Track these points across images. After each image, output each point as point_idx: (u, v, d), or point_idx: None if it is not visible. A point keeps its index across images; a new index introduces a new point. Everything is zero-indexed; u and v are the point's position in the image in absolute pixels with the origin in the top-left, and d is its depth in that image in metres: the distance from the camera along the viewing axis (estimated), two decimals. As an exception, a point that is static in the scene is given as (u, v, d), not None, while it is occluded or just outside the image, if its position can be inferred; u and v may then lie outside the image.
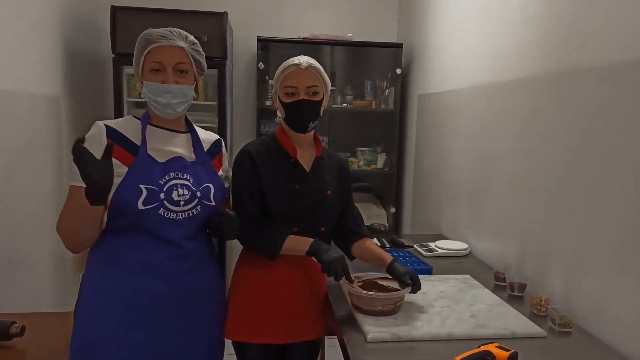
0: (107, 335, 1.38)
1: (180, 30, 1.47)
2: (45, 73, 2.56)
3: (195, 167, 1.49)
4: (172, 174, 1.42)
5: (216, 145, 1.62)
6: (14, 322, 1.48)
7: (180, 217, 1.42)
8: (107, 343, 1.38)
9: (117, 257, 1.41)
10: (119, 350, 1.38)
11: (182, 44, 1.44)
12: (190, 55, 1.46)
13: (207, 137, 1.61)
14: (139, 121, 1.46)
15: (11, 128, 2.17)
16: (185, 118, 1.57)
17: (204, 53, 1.52)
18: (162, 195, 1.38)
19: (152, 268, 1.41)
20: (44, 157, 2.50)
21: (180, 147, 1.49)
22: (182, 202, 1.42)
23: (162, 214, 1.39)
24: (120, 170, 1.34)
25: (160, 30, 1.42)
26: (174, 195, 1.40)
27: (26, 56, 2.33)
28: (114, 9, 2.87)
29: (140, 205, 1.35)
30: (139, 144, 1.41)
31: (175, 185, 1.41)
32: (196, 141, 1.54)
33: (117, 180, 1.32)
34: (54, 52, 2.64)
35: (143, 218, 1.38)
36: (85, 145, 1.23)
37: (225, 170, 1.63)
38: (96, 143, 1.32)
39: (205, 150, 1.56)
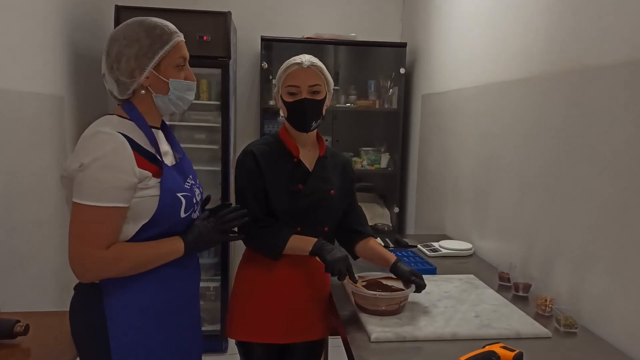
0: (157, 342, 1.32)
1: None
2: (50, 73, 2.56)
3: (187, 163, 1.47)
4: (190, 177, 1.42)
5: (170, 130, 1.53)
6: (18, 321, 1.48)
7: (196, 215, 1.44)
8: (157, 349, 1.33)
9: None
10: (167, 356, 1.35)
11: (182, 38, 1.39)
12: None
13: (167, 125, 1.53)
14: (130, 122, 1.33)
15: (15, 127, 2.18)
16: None
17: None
18: (194, 200, 1.38)
19: (182, 270, 1.39)
20: (48, 157, 2.50)
21: (164, 144, 1.42)
22: (199, 202, 1.44)
23: (193, 217, 1.40)
24: (150, 182, 1.26)
25: (166, 22, 1.38)
26: (197, 197, 1.42)
27: (30, 56, 2.34)
28: (118, 9, 2.87)
29: (182, 214, 1.33)
30: (148, 148, 1.31)
31: (194, 186, 1.42)
32: (170, 135, 1.47)
33: (150, 192, 1.26)
34: (58, 52, 2.64)
35: (180, 224, 1.35)
36: (114, 159, 1.21)
37: None
38: (125, 157, 1.23)
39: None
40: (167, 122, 1.50)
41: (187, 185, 1.38)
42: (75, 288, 1.36)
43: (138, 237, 1.29)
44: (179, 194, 1.32)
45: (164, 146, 1.41)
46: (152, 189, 1.27)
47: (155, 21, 1.36)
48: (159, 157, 1.31)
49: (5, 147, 2.09)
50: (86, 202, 1.20)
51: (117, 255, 1.24)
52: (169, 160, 1.39)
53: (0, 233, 2.06)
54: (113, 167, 1.21)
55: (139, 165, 1.24)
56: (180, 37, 1.36)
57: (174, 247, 1.32)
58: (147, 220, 1.28)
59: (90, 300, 1.30)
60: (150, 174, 1.27)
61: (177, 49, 1.34)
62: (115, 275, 1.26)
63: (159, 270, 1.32)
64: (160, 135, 1.43)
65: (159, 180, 1.29)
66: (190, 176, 1.44)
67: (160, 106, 1.37)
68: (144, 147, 1.30)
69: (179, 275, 1.39)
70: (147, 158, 1.29)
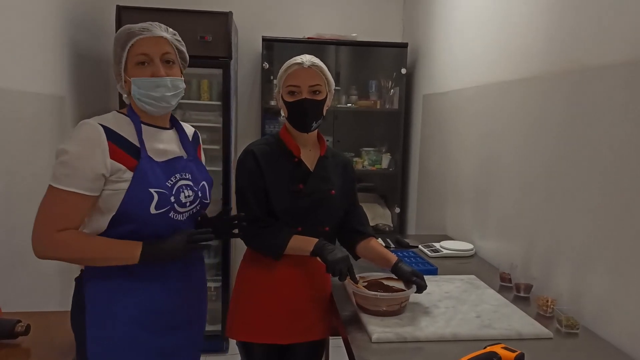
0: (128, 341, 1.34)
1: (158, 22, 1.41)
2: (50, 73, 2.56)
3: (190, 165, 1.46)
4: (177, 175, 1.39)
5: (195, 137, 1.58)
6: (19, 321, 1.48)
7: (184, 217, 1.41)
8: (128, 348, 1.35)
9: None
10: (137, 355, 1.36)
11: (164, 34, 1.38)
12: (174, 46, 1.41)
13: (187, 130, 1.56)
14: (127, 118, 1.37)
15: (16, 127, 2.18)
16: (170, 114, 1.50)
17: (184, 43, 1.45)
18: (172, 199, 1.35)
19: (161, 271, 1.38)
20: (49, 156, 2.50)
21: (171, 144, 1.44)
22: (187, 203, 1.40)
23: (172, 216, 1.36)
24: (124, 175, 1.29)
25: (139, 24, 1.37)
26: (182, 197, 1.38)
27: (31, 56, 2.34)
28: (119, 9, 2.88)
29: (152, 210, 1.31)
30: (135, 143, 1.34)
31: (182, 186, 1.39)
32: (184, 137, 1.49)
33: (122, 186, 1.29)
34: (59, 52, 2.64)
35: (152, 223, 1.33)
36: (85, 148, 1.25)
37: (203, 162, 1.61)
38: (98, 147, 1.27)
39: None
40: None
41: (168, 183, 1.36)
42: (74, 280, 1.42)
43: (110, 232, 1.32)
44: (152, 189, 1.31)
45: (162, 145, 1.40)
46: (125, 182, 1.29)
47: (126, 27, 1.37)
48: (143, 152, 1.32)
49: (6, 147, 2.09)
50: (50, 183, 1.29)
51: (66, 241, 1.28)
52: (160, 157, 1.38)
53: (1, 233, 2.06)
54: (82, 155, 1.26)
55: (113, 156, 1.27)
56: (145, 34, 1.34)
57: (129, 252, 1.30)
58: (115, 212, 1.30)
59: (75, 292, 1.39)
60: (124, 167, 1.29)
61: (136, 47, 1.34)
62: (65, 260, 1.32)
63: (141, 281, 1.36)
64: (164, 135, 1.43)
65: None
66: (185, 175, 1.41)
67: (139, 107, 1.38)
68: (129, 140, 1.33)
69: (162, 288, 1.39)
70: (127, 150, 1.31)
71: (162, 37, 1.37)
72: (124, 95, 1.41)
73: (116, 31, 2.89)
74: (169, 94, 1.37)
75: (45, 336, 1.53)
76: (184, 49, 1.45)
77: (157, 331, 1.38)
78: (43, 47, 2.47)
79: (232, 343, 1.70)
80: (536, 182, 1.83)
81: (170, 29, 1.43)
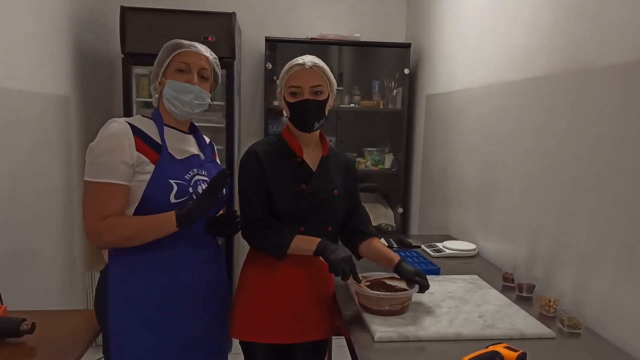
0: (147, 328, 1.45)
1: (205, 46, 1.58)
2: (55, 73, 2.58)
3: (207, 164, 1.60)
4: (195, 170, 1.52)
5: (212, 145, 1.73)
6: (25, 320, 1.49)
7: None
8: (147, 336, 1.45)
9: (146, 252, 1.45)
10: (158, 342, 1.46)
11: (207, 54, 1.56)
12: (212, 66, 1.58)
13: (205, 138, 1.71)
14: (151, 120, 1.52)
15: (21, 127, 2.19)
16: (190, 122, 1.64)
17: (221, 68, 1.63)
18: (190, 189, 1.47)
19: (180, 261, 1.49)
20: (53, 156, 2.52)
21: (191, 146, 1.59)
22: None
23: None
24: (147, 167, 1.41)
25: (190, 42, 1.54)
26: (199, 189, 1.50)
27: (36, 56, 2.35)
28: (124, 10, 2.88)
29: (172, 199, 1.42)
30: (158, 141, 1.47)
31: (199, 180, 1.52)
32: (202, 141, 1.65)
33: (145, 177, 1.41)
34: (63, 52, 2.66)
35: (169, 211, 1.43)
36: (115, 141, 1.37)
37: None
38: (126, 139, 1.40)
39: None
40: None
41: (187, 176, 1.48)
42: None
43: None
44: (172, 180, 1.43)
45: (182, 145, 1.54)
46: (147, 174, 1.41)
47: (178, 39, 1.54)
48: (164, 148, 1.46)
49: (12, 147, 2.11)
50: (86, 178, 1.40)
51: (110, 225, 1.39)
52: (179, 154, 1.51)
53: (7, 232, 2.07)
54: (111, 148, 1.38)
55: (138, 149, 1.41)
56: (190, 48, 1.52)
57: (166, 218, 1.41)
58: (138, 202, 1.41)
59: (99, 284, 1.53)
60: (147, 160, 1.42)
61: (180, 56, 1.51)
62: (115, 245, 1.44)
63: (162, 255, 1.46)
64: (185, 138, 1.58)
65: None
66: (201, 172, 1.54)
67: (166, 107, 1.52)
68: (152, 137, 1.46)
69: (182, 263, 1.50)
70: (150, 145, 1.45)
71: (204, 55, 1.55)
72: (154, 96, 1.56)
73: (120, 31, 2.94)
74: (196, 102, 1.52)
75: (50, 334, 1.54)
76: (219, 71, 1.63)
77: (178, 318, 1.49)
78: (48, 48, 2.49)
79: (236, 342, 1.70)
80: (539, 182, 1.83)
81: (213, 53, 1.60)
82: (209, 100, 1.57)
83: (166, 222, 1.41)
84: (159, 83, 1.53)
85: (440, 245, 2.32)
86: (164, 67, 1.52)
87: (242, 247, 3.24)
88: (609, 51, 1.48)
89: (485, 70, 2.33)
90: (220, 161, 1.86)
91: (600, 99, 1.50)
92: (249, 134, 3.59)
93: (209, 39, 2.93)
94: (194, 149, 1.59)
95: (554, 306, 1.56)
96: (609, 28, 1.49)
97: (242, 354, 1.75)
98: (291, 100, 1.60)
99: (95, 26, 3.11)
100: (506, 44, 2.13)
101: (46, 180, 2.43)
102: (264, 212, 1.62)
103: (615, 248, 1.43)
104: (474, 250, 2.29)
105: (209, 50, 1.59)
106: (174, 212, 1.42)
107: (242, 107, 3.59)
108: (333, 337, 1.91)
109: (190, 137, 1.62)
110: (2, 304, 1.62)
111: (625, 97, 1.40)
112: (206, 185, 1.50)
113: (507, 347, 1.19)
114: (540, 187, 1.82)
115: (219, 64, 1.62)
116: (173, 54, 1.51)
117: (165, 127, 1.53)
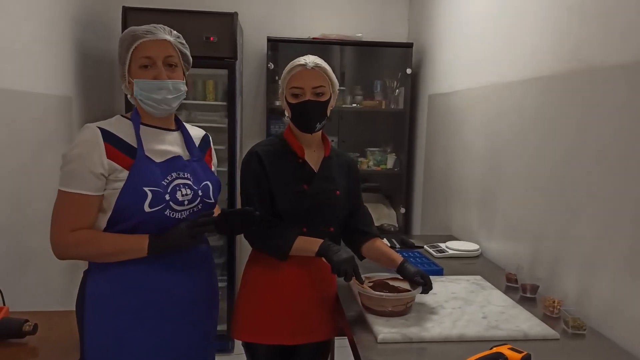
0: (126, 335, 1.37)
1: (162, 25, 1.43)
2: (58, 73, 2.57)
3: (192, 165, 1.48)
4: (174, 174, 1.41)
5: (205, 140, 1.62)
6: (27, 321, 1.49)
7: (183, 215, 1.42)
8: (127, 343, 1.37)
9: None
10: (138, 350, 1.38)
11: (168, 37, 1.41)
12: (177, 49, 1.43)
13: (196, 133, 1.60)
14: (129, 121, 1.42)
15: (24, 128, 2.19)
16: (175, 116, 1.54)
17: (188, 46, 1.48)
18: (167, 197, 1.37)
19: (162, 267, 1.40)
20: (56, 157, 2.51)
21: (174, 145, 1.47)
22: (186, 202, 1.41)
23: (168, 214, 1.38)
24: (121, 174, 1.33)
25: (143, 26, 1.40)
26: (178, 195, 1.39)
27: (38, 57, 2.35)
28: (125, 10, 2.89)
29: (146, 208, 1.33)
30: (134, 145, 1.38)
31: (179, 185, 1.41)
32: (188, 139, 1.52)
33: (119, 185, 1.33)
34: (66, 53, 2.66)
35: (148, 220, 1.36)
36: (84, 149, 1.30)
37: (215, 165, 1.64)
38: (95, 147, 1.33)
39: (197, 146, 1.55)
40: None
41: (164, 182, 1.38)
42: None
43: (108, 231, 1.38)
44: (146, 188, 1.34)
45: (163, 146, 1.43)
46: (121, 182, 1.34)
47: (130, 29, 1.40)
48: (139, 152, 1.36)
49: (14, 147, 2.11)
50: (59, 187, 1.35)
51: (78, 241, 1.34)
52: (159, 157, 1.41)
53: (9, 233, 2.07)
54: (80, 156, 1.32)
55: (109, 156, 1.33)
56: (148, 37, 1.38)
57: (137, 244, 1.35)
58: (111, 212, 1.35)
59: (80, 286, 1.45)
60: (120, 167, 1.34)
61: (140, 50, 1.38)
62: (79, 259, 1.38)
63: (140, 267, 1.38)
64: (167, 137, 1.46)
65: None
66: (183, 174, 1.43)
67: (143, 108, 1.42)
68: (127, 141, 1.37)
69: (164, 276, 1.41)
70: (124, 151, 1.36)
71: (165, 40, 1.40)
72: (129, 96, 1.44)
73: (122, 32, 2.93)
74: (170, 96, 1.41)
75: (52, 335, 1.54)
76: (187, 51, 1.48)
77: (158, 324, 1.40)
78: (50, 48, 2.49)
79: (238, 343, 1.70)
80: (543, 182, 1.82)
81: (174, 32, 1.45)
82: (185, 88, 1.44)
83: (137, 249, 1.35)
84: (128, 82, 1.41)
85: (443, 245, 2.31)
86: (127, 65, 1.39)
87: (244, 247, 3.23)
88: (615, 51, 1.47)
89: (488, 70, 2.32)
90: (220, 161, 1.82)
91: (606, 99, 1.49)
92: (250, 134, 3.59)
93: (211, 39, 2.93)
94: (177, 149, 1.47)
95: (558, 307, 1.56)
96: (612, 27, 1.48)
97: (244, 355, 1.74)
98: (293, 101, 1.59)
99: (97, 26, 3.11)
100: (510, 43, 2.12)
101: (48, 180, 2.43)
102: (266, 213, 1.61)
103: (620, 248, 1.42)
104: (477, 250, 2.28)
105: (167, 29, 1.43)
106: (147, 237, 1.35)
107: (244, 107, 3.59)
108: (336, 337, 1.90)
109: (174, 135, 1.49)
110: (4, 304, 1.61)
111: (632, 97, 1.39)
112: (188, 216, 1.41)
113: (512, 349, 1.18)
114: (544, 187, 1.81)
115: (183, 41, 1.46)
116: (132, 49, 1.37)
117: (144, 126, 1.42)
